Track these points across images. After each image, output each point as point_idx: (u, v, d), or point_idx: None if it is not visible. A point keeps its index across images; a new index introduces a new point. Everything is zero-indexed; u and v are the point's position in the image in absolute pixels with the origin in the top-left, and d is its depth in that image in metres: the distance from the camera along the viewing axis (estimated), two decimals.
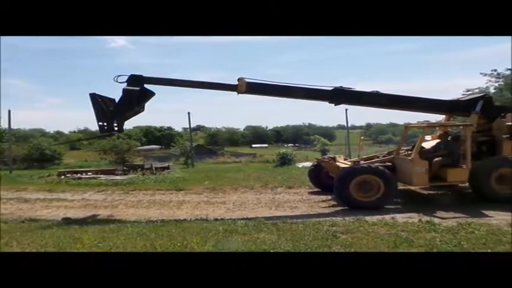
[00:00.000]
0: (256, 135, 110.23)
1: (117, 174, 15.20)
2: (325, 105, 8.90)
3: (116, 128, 8.31)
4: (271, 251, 4.89)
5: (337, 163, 9.32)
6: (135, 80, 8.05)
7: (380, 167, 8.09)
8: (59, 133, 77.74)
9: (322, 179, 10.12)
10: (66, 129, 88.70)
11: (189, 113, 20.10)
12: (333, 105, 8.90)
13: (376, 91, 8.96)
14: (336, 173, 8.57)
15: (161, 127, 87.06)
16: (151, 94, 8.32)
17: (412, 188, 9.20)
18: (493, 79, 20.98)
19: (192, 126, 22.07)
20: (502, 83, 20.54)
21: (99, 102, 8.03)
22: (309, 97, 8.97)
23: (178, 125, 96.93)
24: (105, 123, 8.10)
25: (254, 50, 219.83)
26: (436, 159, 8.17)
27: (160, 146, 64.69)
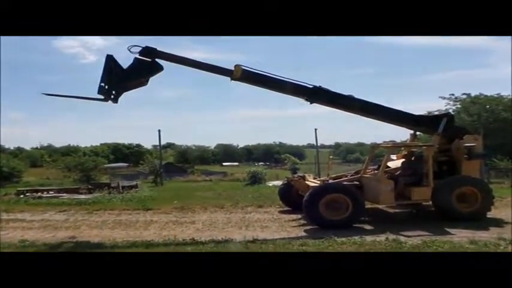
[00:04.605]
0: (227, 153, 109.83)
1: (81, 193, 14.55)
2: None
3: (112, 97, 8.17)
4: None
5: (307, 182, 9.41)
6: (148, 52, 8.15)
7: (348, 186, 8.24)
8: (19, 149, 74.01)
9: (293, 197, 10.15)
10: (27, 145, 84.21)
11: (159, 130, 19.82)
12: (309, 103, 9.08)
13: (351, 95, 9.29)
14: (306, 192, 8.65)
15: (130, 144, 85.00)
16: (160, 68, 8.36)
17: (379, 206, 9.41)
18: (451, 102, 22.29)
19: (162, 143, 21.66)
20: (459, 106, 21.82)
21: (111, 64, 8.03)
22: (290, 91, 9.11)
23: (148, 142, 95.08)
24: (106, 86, 8.02)
25: None
26: (401, 178, 8.44)
27: (127, 164, 62.96)
